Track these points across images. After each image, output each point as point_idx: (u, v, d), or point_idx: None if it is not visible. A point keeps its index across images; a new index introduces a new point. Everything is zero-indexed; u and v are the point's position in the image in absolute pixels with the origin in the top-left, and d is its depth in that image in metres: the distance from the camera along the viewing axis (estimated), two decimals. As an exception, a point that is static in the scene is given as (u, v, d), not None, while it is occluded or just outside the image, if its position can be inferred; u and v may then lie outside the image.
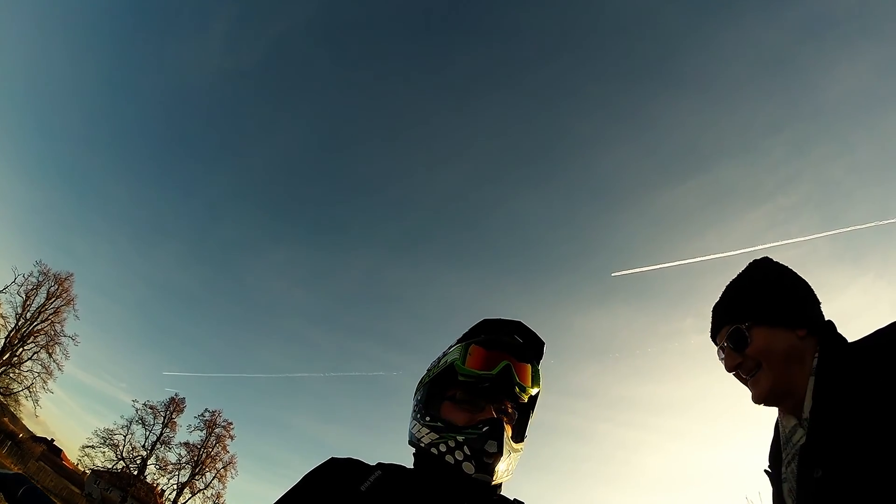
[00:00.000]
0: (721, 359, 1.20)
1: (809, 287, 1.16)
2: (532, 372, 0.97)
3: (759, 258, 1.24)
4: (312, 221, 61.12)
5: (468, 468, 0.85)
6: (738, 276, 1.24)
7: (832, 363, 1.02)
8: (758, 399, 1.12)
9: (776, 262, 1.21)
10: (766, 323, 1.11)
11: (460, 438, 0.87)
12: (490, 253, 62.34)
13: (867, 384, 0.92)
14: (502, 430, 0.87)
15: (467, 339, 1.01)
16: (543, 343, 1.02)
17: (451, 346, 1.02)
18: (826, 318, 1.13)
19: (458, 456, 0.86)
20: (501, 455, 0.85)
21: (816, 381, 1.02)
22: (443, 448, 0.88)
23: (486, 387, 0.93)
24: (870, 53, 47.95)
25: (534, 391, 0.97)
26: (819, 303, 1.15)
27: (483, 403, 0.92)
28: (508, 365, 0.92)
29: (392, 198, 62.26)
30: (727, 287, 1.24)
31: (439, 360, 1.02)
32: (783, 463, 1.08)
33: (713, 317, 1.24)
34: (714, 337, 1.24)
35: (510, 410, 0.95)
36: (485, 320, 1.02)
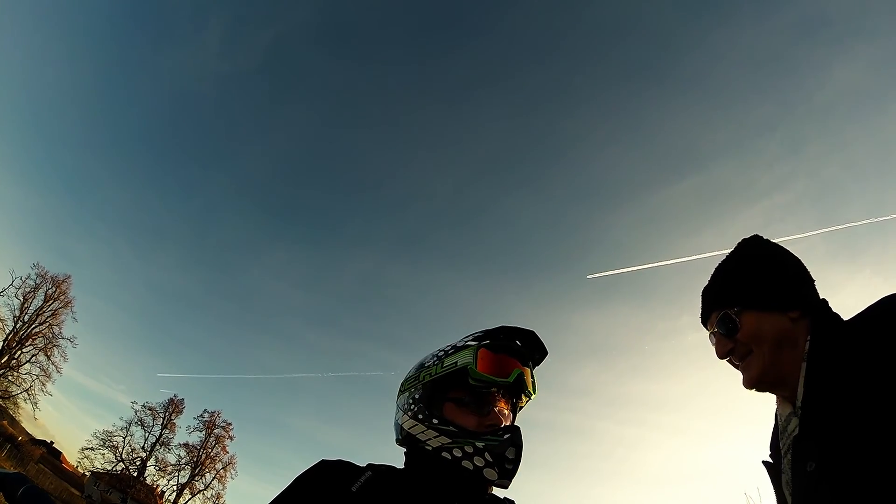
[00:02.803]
0: (713, 344, 1.16)
1: (802, 266, 1.11)
2: (533, 378, 1.01)
3: (748, 237, 1.19)
4: (310, 223, 61.17)
5: (490, 474, 0.88)
6: (727, 257, 1.19)
7: (824, 346, 0.97)
8: (748, 384, 1.08)
9: (766, 241, 1.17)
10: (755, 307, 1.07)
11: (480, 445, 0.89)
12: (487, 253, 62.41)
13: (859, 367, 0.88)
14: (521, 437, 0.91)
15: (472, 341, 1.01)
16: (546, 353, 1.05)
17: (451, 347, 1.02)
18: (821, 297, 1.08)
19: (479, 462, 0.88)
20: (520, 461, 0.89)
21: (808, 367, 0.97)
22: (457, 453, 0.90)
23: (493, 391, 0.95)
24: (864, 51, 48.01)
25: (534, 396, 1.02)
26: (812, 281, 1.10)
27: (488, 407, 0.95)
28: (522, 373, 0.96)
29: (389, 199, 62.25)
30: (716, 270, 1.19)
31: (441, 360, 1.00)
32: (781, 453, 1.04)
33: (703, 302, 1.20)
34: (704, 322, 1.20)
35: (507, 412, 0.98)
36: (502, 327, 1.03)
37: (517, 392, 0.97)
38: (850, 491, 0.83)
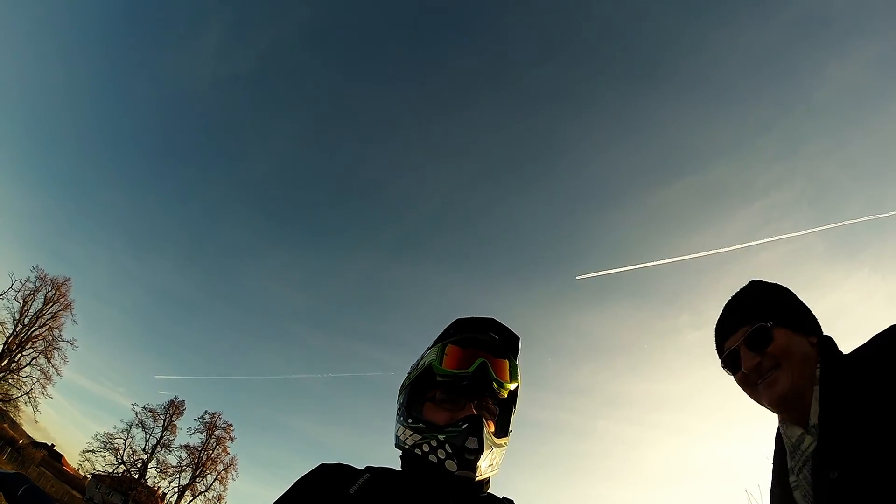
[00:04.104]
0: (728, 366, 1.19)
1: None
2: (510, 367, 0.97)
3: (755, 280, 1.26)
4: (309, 225, 61.16)
5: (451, 466, 0.86)
6: (746, 287, 1.24)
7: (834, 371, 1.05)
8: (774, 401, 1.11)
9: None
10: (787, 325, 1.12)
11: (441, 437, 0.88)
12: (486, 254, 62.44)
13: (868, 389, 0.96)
14: (482, 426, 0.88)
15: (443, 339, 1.02)
16: (518, 338, 1.03)
17: (428, 348, 1.04)
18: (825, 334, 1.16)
19: (441, 454, 0.88)
20: (482, 451, 0.87)
21: (821, 389, 1.04)
22: (426, 448, 0.90)
23: (464, 385, 0.94)
24: (862, 50, 48.14)
25: (512, 386, 0.98)
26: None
27: (463, 401, 0.93)
28: (484, 362, 0.93)
29: (388, 201, 62.34)
30: (736, 297, 1.24)
31: (418, 362, 1.04)
32: (792, 472, 1.08)
33: (729, 319, 1.22)
34: (726, 339, 1.21)
35: (491, 407, 0.97)
36: (458, 320, 1.03)
37: (486, 383, 0.93)
38: (873, 493, 0.89)
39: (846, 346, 1.08)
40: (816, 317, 1.17)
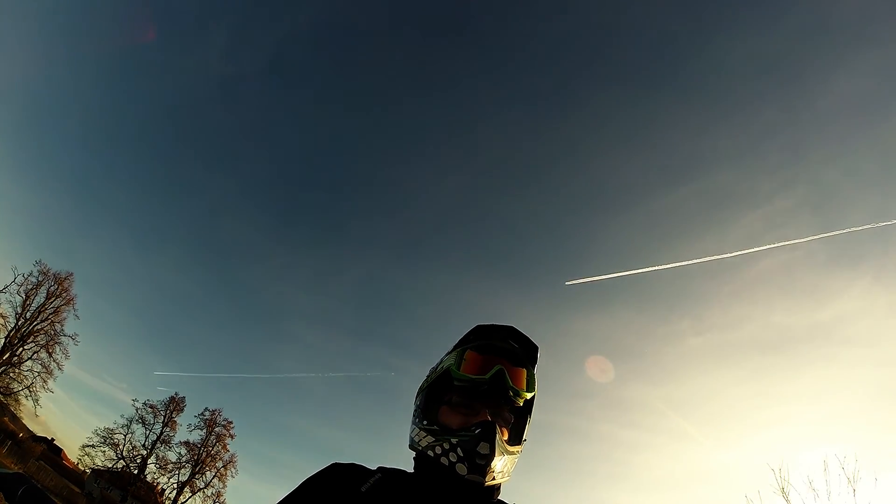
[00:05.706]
0: None
1: None
2: (527, 376, 0.98)
3: None
4: (312, 225, 61.18)
5: (461, 469, 0.87)
6: None
7: None
8: None
9: None
10: None
11: (454, 440, 0.89)
12: (489, 256, 62.35)
13: None
14: (494, 431, 0.88)
15: (462, 344, 1.03)
16: (537, 348, 1.03)
17: (447, 352, 1.05)
18: None
19: (452, 458, 0.88)
20: (493, 456, 0.87)
21: None
22: (438, 450, 0.91)
23: (481, 391, 0.95)
24: (867, 58, 47.80)
25: (528, 395, 0.98)
26: None
27: (479, 407, 0.94)
28: (502, 370, 0.94)
29: (391, 202, 62.32)
30: None
31: (437, 366, 1.05)
32: None
33: None
34: None
35: (506, 414, 0.97)
36: (478, 326, 1.04)
37: (503, 390, 0.94)
38: None
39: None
40: None
